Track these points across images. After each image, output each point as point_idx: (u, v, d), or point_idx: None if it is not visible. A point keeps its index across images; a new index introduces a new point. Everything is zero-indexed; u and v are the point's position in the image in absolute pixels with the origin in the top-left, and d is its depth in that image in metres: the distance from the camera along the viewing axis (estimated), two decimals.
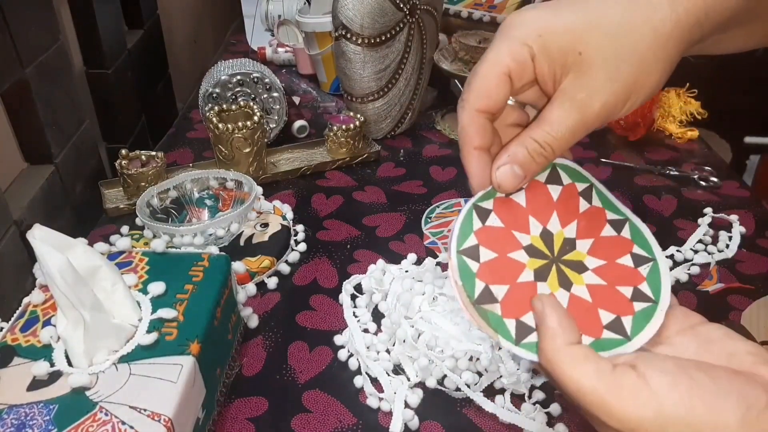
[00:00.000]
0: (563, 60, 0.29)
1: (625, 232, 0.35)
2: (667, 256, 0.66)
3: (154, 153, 0.74)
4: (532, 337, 0.31)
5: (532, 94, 0.32)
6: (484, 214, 0.34)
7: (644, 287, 0.33)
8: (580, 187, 0.36)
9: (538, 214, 0.35)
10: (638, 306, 0.32)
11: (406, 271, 0.60)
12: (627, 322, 0.32)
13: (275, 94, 0.85)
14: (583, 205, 0.36)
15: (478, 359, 0.51)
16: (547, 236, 0.34)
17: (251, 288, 0.60)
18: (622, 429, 0.26)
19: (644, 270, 0.34)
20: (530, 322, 0.31)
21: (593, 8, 0.30)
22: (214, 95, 0.82)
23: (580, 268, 0.34)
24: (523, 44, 0.30)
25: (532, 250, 0.34)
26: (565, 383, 0.28)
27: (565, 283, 0.33)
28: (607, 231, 0.35)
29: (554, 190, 0.35)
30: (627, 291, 0.33)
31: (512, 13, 0.31)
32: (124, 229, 0.68)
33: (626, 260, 0.34)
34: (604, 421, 0.27)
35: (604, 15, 0.29)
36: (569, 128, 0.30)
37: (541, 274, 0.33)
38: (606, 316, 0.32)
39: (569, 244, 0.34)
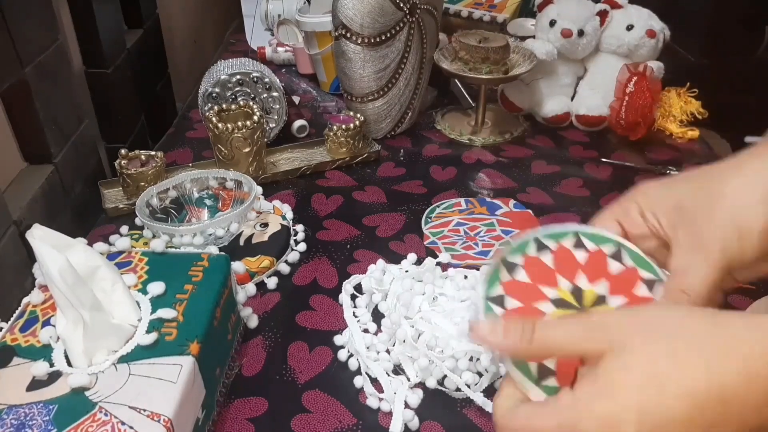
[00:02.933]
0: (666, 213, 0.36)
1: (657, 293, 0.36)
2: None
3: (153, 153, 0.74)
4: (551, 381, 0.32)
5: (655, 249, 0.38)
6: (512, 269, 0.36)
7: None
8: (608, 250, 0.38)
9: (565, 273, 0.37)
10: None
11: (406, 271, 0.60)
12: None
13: (275, 94, 0.85)
14: (613, 264, 0.37)
15: (478, 359, 0.51)
16: (577, 292, 0.36)
17: (251, 288, 0.60)
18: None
19: None
20: (551, 365, 0.32)
21: (693, 176, 0.37)
22: (214, 95, 0.82)
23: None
24: (632, 202, 0.38)
25: (559, 303, 0.35)
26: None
27: None
28: (640, 290, 0.36)
29: (579, 254, 0.37)
30: None
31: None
32: (124, 229, 0.68)
33: None
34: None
35: (699, 182, 0.36)
36: (700, 269, 0.34)
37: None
38: None
39: (600, 301, 0.35)
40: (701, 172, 0.37)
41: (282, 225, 0.67)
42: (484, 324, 0.32)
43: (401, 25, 0.83)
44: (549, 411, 0.30)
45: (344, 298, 0.59)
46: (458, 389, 0.50)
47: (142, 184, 0.71)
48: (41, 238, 0.41)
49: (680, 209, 0.36)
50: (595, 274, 0.36)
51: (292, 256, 0.66)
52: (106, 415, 0.38)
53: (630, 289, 0.36)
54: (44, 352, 0.43)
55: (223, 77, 0.82)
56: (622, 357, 0.28)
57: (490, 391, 0.51)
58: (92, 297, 0.42)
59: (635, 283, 0.36)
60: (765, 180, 0.34)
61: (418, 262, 0.61)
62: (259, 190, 0.67)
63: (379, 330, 0.56)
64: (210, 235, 0.62)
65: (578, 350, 0.30)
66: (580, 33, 0.87)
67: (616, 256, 0.37)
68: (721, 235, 0.34)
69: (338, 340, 0.56)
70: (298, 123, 0.88)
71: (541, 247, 0.37)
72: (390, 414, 0.49)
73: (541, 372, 0.32)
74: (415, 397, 0.50)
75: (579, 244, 0.37)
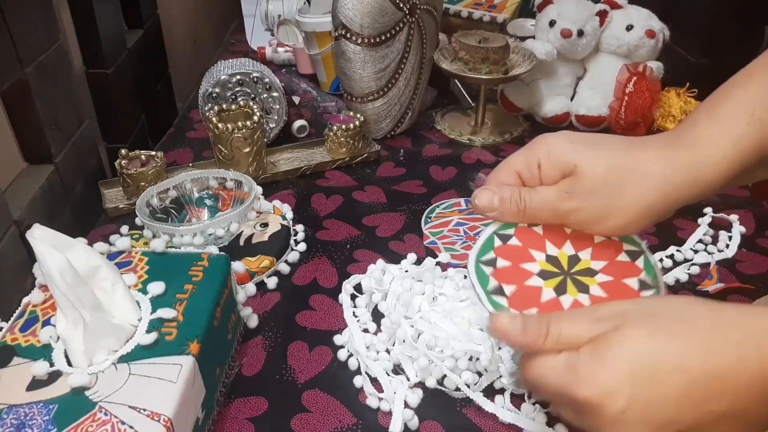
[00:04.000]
0: (562, 169, 0.38)
1: (639, 262, 0.39)
2: (667, 256, 0.66)
3: (153, 153, 0.74)
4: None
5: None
6: (504, 238, 0.40)
7: (644, 276, 0.38)
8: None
9: (554, 240, 0.40)
10: (645, 294, 0.37)
11: (406, 271, 0.60)
12: None
13: (275, 94, 0.85)
14: (598, 238, 0.40)
15: (478, 359, 0.51)
16: (563, 256, 0.39)
17: (251, 288, 0.60)
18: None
19: (644, 294, 0.38)
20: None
21: (602, 143, 0.38)
22: (214, 95, 0.82)
23: (590, 281, 0.38)
24: (535, 154, 0.39)
25: (545, 264, 0.39)
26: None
27: (573, 291, 0.37)
28: (621, 257, 0.39)
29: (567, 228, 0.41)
30: (633, 282, 0.37)
31: (542, 134, 0.40)
32: (124, 228, 0.68)
33: (632, 282, 0.38)
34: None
35: (607, 149, 0.37)
36: (542, 202, 0.38)
37: (550, 283, 0.38)
38: None
39: (584, 264, 0.39)
40: (608, 139, 0.39)
41: (282, 225, 0.67)
42: (503, 318, 0.34)
43: (401, 26, 0.83)
44: (552, 370, 0.32)
45: (344, 298, 0.59)
46: (458, 389, 0.50)
47: (143, 184, 0.71)
48: (41, 237, 0.41)
49: (576, 169, 0.37)
50: (581, 244, 0.40)
51: (292, 256, 0.66)
52: (106, 414, 0.38)
53: (613, 256, 0.39)
54: (44, 352, 0.43)
55: (223, 77, 0.82)
56: (623, 332, 0.30)
57: (489, 391, 0.51)
58: (92, 297, 0.42)
59: (618, 252, 0.39)
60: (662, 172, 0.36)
61: (418, 262, 0.61)
62: (259, 190, 0.67)
63: (378, 330, 0.56)
64: (210, 235, 0.62)
65: (587, 339, 0.32)
66: (580, 33, 0.87)
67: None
68: (586, 206, 0.37)
69: (338, 339, 0.56)
70: (298, 123, 0.88)
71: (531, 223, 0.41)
72: (390, 414, 0.49)
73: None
74: (415, 397, 0.50)
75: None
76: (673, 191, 0.36)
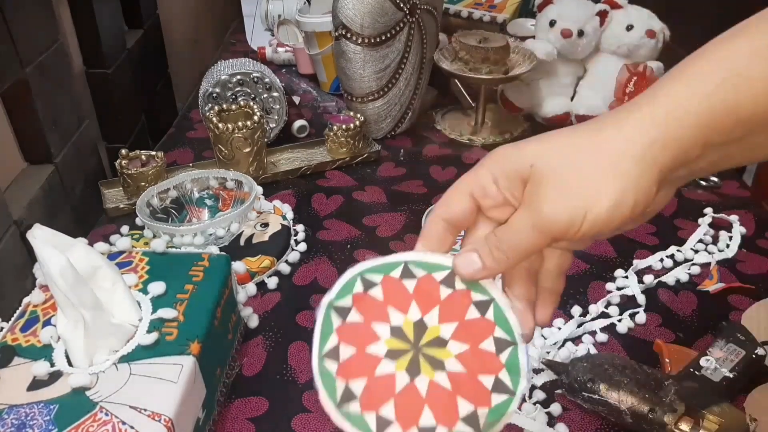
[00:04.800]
0: (519, 175, 0.33)
1: (489, 314, 0.34)
2: (667, 256, 0.66)
3: (154, 153, 0.74)
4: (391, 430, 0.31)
5: (507, 215, 0.35)
6: (343, 313, 0.34)
7: (503, 376, 0.32)
8: (438, 276, 0.34)
9: (396, 304, 0.34)
10: (496, 399, 0.32)
11: None
12: (482, 416, 0.31)
13: (275, 94, 0.85)
14: (444, 291, 0.34)
15: None
16: (408, 326, 0.33)
17: (251, 288, 0.60)
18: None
19: (504, 356, 0.33)
20: (389, 415, 0.31)
21: (553, 135, 0.33)
22: (214, 95, 0.82)
23: (443, 354, 0.33)
24: (485, 170, 0.34)
25: (392, 341, 0.33)
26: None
27: (428, 370, 0.32)
28: (471, 313, 0.34)
29: (409, 284, 0.34)
30: (488, 381, 0.32)
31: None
32: (124, 229, 0.68)
33: (489, 344, 0.33)
34: None
35: (558, 137, 0.33)
36: (523, 228, 0.33)
37: (401, 364, 0.32)
38: (464, 407, 0.31)
39: (433, 331, 0.33)
40: (557, 132, 0.34)
41: (282, 225, 0.67)
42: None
43: (401, 26, 0.83)
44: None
45: None
46: None
47: (143, 184, 0.71)
48: (42, 238, 0.41)
49: (533, 169, 0.32)
50: (425, 301, 0.34)
51: (293, 256, 0.66)
52: (106, 414, 0.38)
53: (462, 313, 0.34)
54: (45, 352, 0.43)
55: (223, 77, 0.82)
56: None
57: None
58: (93, 297, 0.42)
59: (467, 307, 0.34)
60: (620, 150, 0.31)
61: None
62: (260, 190, 0.67)
63: None
64: (210, 235, 0.62)
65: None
66: (580, 33, 0.87)
67: (448, 281, 0.34)
68: (563, 205, 0.31)
69: None
70: (298, 123, 0.88)
71: (368, 284, 0.34)
72: None
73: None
74: None
75: (408, 274, 0.34)
76: (648, 157, 0.31)
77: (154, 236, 0.62)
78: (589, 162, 0.31)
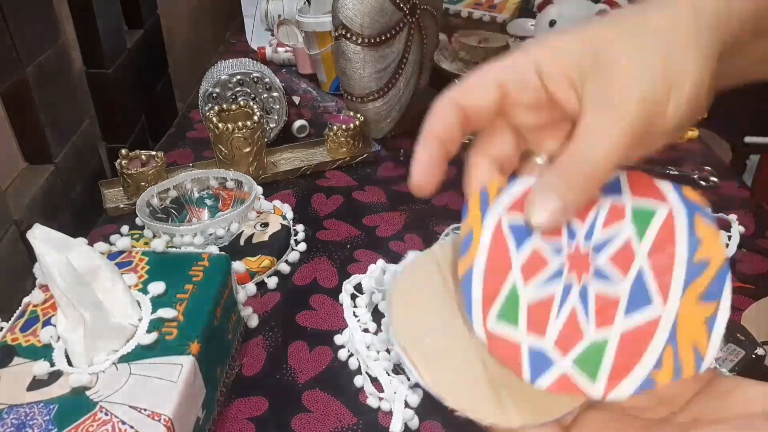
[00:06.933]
0: (578, 67, 0.26)
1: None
2: None
3: (154, 153, 0.74)
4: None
5: (540, 121, 0.28)
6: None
7: None
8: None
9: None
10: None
11: None
12: None
13: (275, 94, 0.85)
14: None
15: None
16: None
17: (251, 288, 0.60)
18: None
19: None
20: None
21: (606, 19, 0.28)
22: (214, 95, 0.82)
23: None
24: (527, 57, 0.27)
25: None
26: None
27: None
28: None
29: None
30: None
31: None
32: (124, 228, 0.68)
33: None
34: None
35: (617, 19, 0.27)
36: (611, 134, 0.25)
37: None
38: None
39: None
40: (615, 15, 0.28)
41: (282, 225, 0.67)
42: None
43: (401, 26, 0.83)
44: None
45: (344, 297, 0.59)
46: None
47: (143, 184, 0.71)
48: (42, 237, 0.41)
49: (596, 58, 0.26)
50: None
51: (293, 255, 0.66)
52: (106, 414, 0.38)
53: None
54: (45, 352, 0.43)
55: (223, 77, 0.82)
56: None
57: None
58: (93, 297, 0.42)
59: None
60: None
61: None
62: (260, 190, 0.67)
63: (379, 329, 0.56)
64: (210, 234, 0.62)
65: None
66: None
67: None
68: (642, 86, 0.25)
69: (338, 339, 0.56)
70: (298, 123, 0.88)
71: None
72: (390, 413, 0.49)
73: None
74: (415, 397, 0.50)
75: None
76: (712, 26, 0.26)
77: (154, 236, 0.62)
78: (659, 35, 0.26)
